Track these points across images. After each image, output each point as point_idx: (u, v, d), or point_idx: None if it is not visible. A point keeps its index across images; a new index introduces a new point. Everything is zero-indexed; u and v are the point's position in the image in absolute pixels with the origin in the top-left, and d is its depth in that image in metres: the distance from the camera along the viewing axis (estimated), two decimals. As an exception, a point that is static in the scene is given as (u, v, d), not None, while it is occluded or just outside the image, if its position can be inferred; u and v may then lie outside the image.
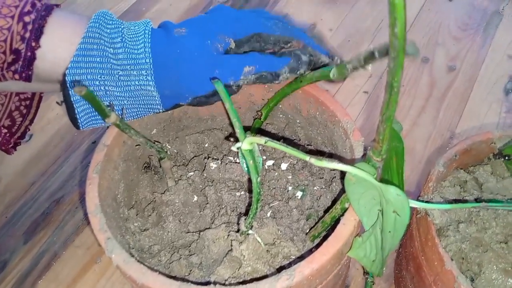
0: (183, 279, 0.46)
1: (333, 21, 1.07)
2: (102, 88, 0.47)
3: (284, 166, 0.59)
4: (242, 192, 0.57)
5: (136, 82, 0.48)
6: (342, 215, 0.45)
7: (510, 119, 0.86)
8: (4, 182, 0.81)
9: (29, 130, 0.60)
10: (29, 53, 0.45)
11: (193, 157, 0.62)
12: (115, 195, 0.52)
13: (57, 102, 0.92)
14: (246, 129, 0.62)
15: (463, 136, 0.84)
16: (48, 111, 0.92)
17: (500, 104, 0.89)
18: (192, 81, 0.49)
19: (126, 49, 0.47)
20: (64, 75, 0.46)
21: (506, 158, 0.56)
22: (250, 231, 0.49)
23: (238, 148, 0.43)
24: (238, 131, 0.43)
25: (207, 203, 0.56)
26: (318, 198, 0.55)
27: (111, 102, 0.49)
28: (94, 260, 0.71)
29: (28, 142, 0.87)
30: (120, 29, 0.48)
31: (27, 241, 0.74)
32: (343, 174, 0.43)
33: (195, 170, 0.59)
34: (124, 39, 0.47)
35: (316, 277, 0.42)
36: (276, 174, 0.58)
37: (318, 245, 0.43)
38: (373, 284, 0.55)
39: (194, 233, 0.53)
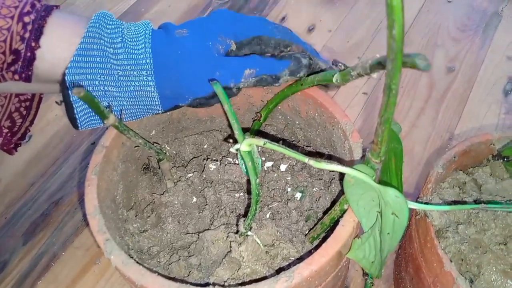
0: (182, 281, 0.46)
1: (332, 22, 1.07)
2: (102, 88, 0.47)
3: (283, 167, 0.59)
4: (241, 193, 0.57)
5: (136, 83, 0.48)
6: (341, 216, 0.45)
7: (510, 120, 0.86)
8: (4, 182, 0.81)
9: (29, 131, 0.60)
10: (28, 54, 0.45)
11: (192, 158, 0.62)
12: (114, 196, 0.52)
13: (57, 102, 0.92)
14: (245, 130, 0.62)
15: (462, 138, 0.84)
16: (48, 112, 0.92)
17: (499, 105, 0.89)
18: (193, 82, 0.49)
19: (127, 49, 0.47)
20: (64, 75, 0.46)
21: (505, 159, 0.56)
22: (249, 233, 0.49)
23: (237, 150, 0.43)
24: (237, 133, 0.43)
25: (206, 204, 0.56)
26: (317, 199, 0.55)
27: (110, 104, 0.49)
28: (93, 261, 0.71)
29: (27, 143, 0.87)
30: (120, 29, 0.48)
31: (26, 242, 0.74)
32: (342, 175, 0.43)
33: (194, 171, 0.59)
34: (124, 39, 0.47)
35: (315, 278, 0.42)
36: (275, 175, 0.58)
37: (317, 247, 0.43)
38: (372, 285, 0.55)
39: (193, 234, 0.53)
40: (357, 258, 0.44)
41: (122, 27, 0.48)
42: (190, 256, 0.50)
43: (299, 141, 0.63)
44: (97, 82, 0.47)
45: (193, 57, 0.48)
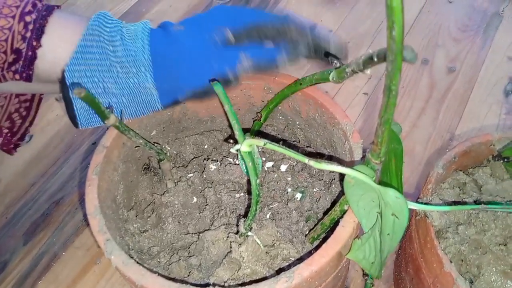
0: (182, 281, 0.46)
1: (332, 23, 1.07)
2: (101, 85, 0.47)
3: (283, 167, 0.59)
4: (242, 194, 0.57)
5: (135, 79, 0.48)
6: (341, 217, 0.45)
7: (510, 121, 0.86)
8: (4, 182, 0.82)
9: (28, 132, 0.61)
10: (30, 53, 0.45)
11: (192, 159, 0.62)
12: (114, 196, 0.52)
13: (56, 99, 0.92)
14: (246, 130, 0.62)
15: (463, 138, 0.84)
16: (48, 112, 0.92)
17: (500, 105, 0.89)
18: (189, 73, 0.49)
19: (125, 47, 0.47)
20: (64, 72, 0.46)
21: (506, 160, 0.56)
22: (249, 233, 0.49)
23: (237, 150, 0.43)
24: (237, 133, 0.43)
25: (207, 205, 0.56)
26: (318, 200, 0.55)
27: (111, 104, 0.49)
28: (94, 261, 0.71)
29: (28, 143, 0.87)
30: (119, 28, 0.48)
31: (27, 242, 0.74)
32: (342, 176, 0.43)
33: (194, 172, 0.59)
34: (123, 37, 0.47)
35: (315, 279, 0.42)
36: (276, 175, 0.58)
37: (317, 247, 0.43)
38: (372, 285, 0.55)
39: (193, 235, 0.53)
40: (357, 259, 0.44)
41: (121, 26, 0.48)
42: (190, 257, 0.50)
43: (299, 141, 0.63)
44: (96, 79, 0.47)
45: (189, 49, 0.48)
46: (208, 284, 0.45)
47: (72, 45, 0.46)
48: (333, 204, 0.54)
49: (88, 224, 0.73)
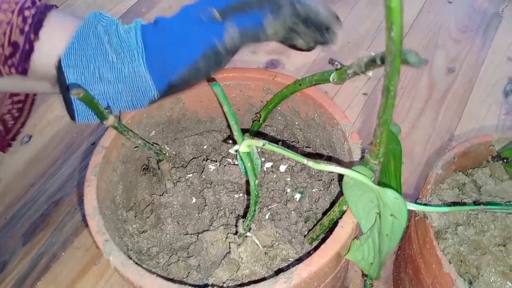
0: (181, 282, 0.46)
1: (332, 23, 1.07)
2: (96, 73, 0.48)
3: (282, 168, 0.59)
4: (241, 194, 0.57)
5: (129, 65, 0.49)
6: (340, 217, 0.45)
7: (510, 121, 0.86)
8: (4, 183, 0.82)
9: (20, 132, 0.61)
10: (27, 46, 0.46)
11: (191, 159, 0.62)
12: (113, 197, 0.52)
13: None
14: (245, 131, 0.62)
15: (462, 138, 0.84)
16: (48, 113, 0.92)
17: (500, 106, 0.89)
18: (179, 51, 0.49)
19: (120, 37, 0.49)
20: (60, 62, 0.47)
21: (505, 160, 0.56)
22: (248, 234, 0.49)
23: (236, 151, 0.43)
24: (236, 134, 0.43)
25: (206, 205, 0.56)
26: (317, 200, 0.55)
27: (106, 90, 0.49)
28: (93, 261, 0.71)
29: (27, 143, 0.87)
30: (115, 21, 0.50)
31: (26, 242, 0.74)
32: (341, 176, 0.43)
33: (193, 172, 0.59)
34: (117, 28, 0.49)
35: (314, 279, 0.42)
36: (275, 176, 0.58)
37: (316, 248, 0.43)
38: (371, 286, 0.55)
39: (192, 235, 0.53)
40: (356, 260, 0.44)
41: (117, 22, 0.50)
42: (189, 257, 0.50)
43: (298, 142, 0.63)
44: (91, 67, 0.48)
45: (177, 29, 0.50)
46: (207, 285, 0.45)
47: (69, 40, 0.48)
48: (332, 204, 0.54)
49: (87, 225, 0.73)
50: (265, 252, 0.49)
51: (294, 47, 0.51)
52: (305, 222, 0.53)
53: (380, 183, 0.45)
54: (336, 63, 0.45)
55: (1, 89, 0.54)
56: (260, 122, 0.60)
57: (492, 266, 0.48)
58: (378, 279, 0.45)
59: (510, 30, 1.03)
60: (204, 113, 0.62)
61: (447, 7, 1.09)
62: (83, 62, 0.47)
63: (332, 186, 0.55)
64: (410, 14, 1.07)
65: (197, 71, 0.49)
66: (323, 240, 0.43)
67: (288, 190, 0.57)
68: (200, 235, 0.52)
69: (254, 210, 0.46)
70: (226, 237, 0.50)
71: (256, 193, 0.45)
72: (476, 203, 0.52)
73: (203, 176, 0.59)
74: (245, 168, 0.44)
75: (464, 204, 0.53)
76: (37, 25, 0.46)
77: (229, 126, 0.64)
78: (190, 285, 0.41)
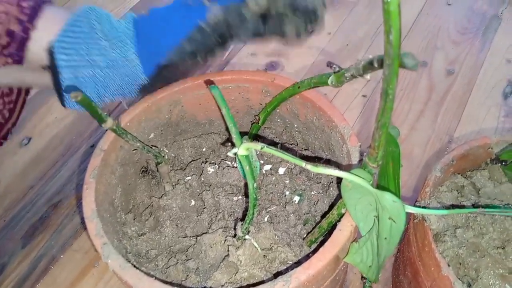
0: (180, 285, 0.46)
1: (331, 25, 1.07)
2: (87, 57, 0.50)
3: (281, 170, 0.59)
4: (240, 197, 0.57)
5: (119, 50, 0.50)
6: (339, 220, 0.45)
7: (509, 124, 0.86)
8: (3, 184, 0.81)
9: (11, 132, 0.61)
10: (23, 34, 0.48)
11: (190, 162, 0.62)
12: (112, 199, 0.52)
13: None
14: (244, 133, 0.62)
15: (461, 141, 0.84)
16: (47, 115, 0.92)
17: (499, 108, 0.89)
18: (165, 33, 0.50)
19: (112, 25, 0.51)
20: (52, 47, 0.48)
21: (503, 163, 0.56)
22: (246, 236, 0.49)
23: (234, 154, 0.43)
24: (235, 137, 0.43)
25: (205, 208, 0.56)
26: (316, 203, 0.55)
27: (96, 76, 0.50)
28: (92, 264, 0.71)
29: (27, 145, 0.87)
30: (107, 13, 0.52)
31: (25, 245, 0.74)
32: (340, 179, 0.43)
33: (192, 175, 0.59)
34: (110, 18, 0.51)
35: (312, 283, 0.42)
36: (274, 178, 0.58)
37: (315, 250, 0.43)
38: (370, 289, 0.55)
39: (191, 238, 0.53)
40: (355, 262, 0.44)
41: (110, 14, 0.52)
42: (188, 260, 0.50)
43: (297, 144, 0.63)
44: (82, 51, 0.49)
45: (164, 15, 0.51)
46: (205, 288, 0.45)
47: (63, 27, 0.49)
48: (331, 207, 0.54)
49: (86, 227, 0.73)
50: (264, 255, 0.49)
51: (283, 35, 0.51)
52: (304, 225, 0.53)
53: (379, 186, 0.45)
54: (334, 66, 0.45)
55: (1, 82, 0.55)
56: (259, 124, 0.60)
57: (491, 268, 0.48)
58: (377, 282, 0.45)
59: (509, 32, 1.03)
60: (203, 115, 0.62)
61: (446, 9, 1.09)
62: (74, 47, 0.49)
63: (331, 188, 0.55)
64: (410, 16, 1.07)
65: (183, 52, 0.50)
66: (322, 243, 0.43)
67: (287, 193, 0.57)
68: (199, 237, 0.52)
69: (253, 213, 0.46)
70: (225, 240, 0.50)
71: (255, 196, 0.45)
72: (475, 205, 0.52)
73: (202, 179, 0.59)
74: (243, 171, 0.44)
75: (463, 206, 0.52)
76: (33, 15, 0.48)
77: (228, 128, 0.64)
78: (188, 288, 0.41)
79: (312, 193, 0.56)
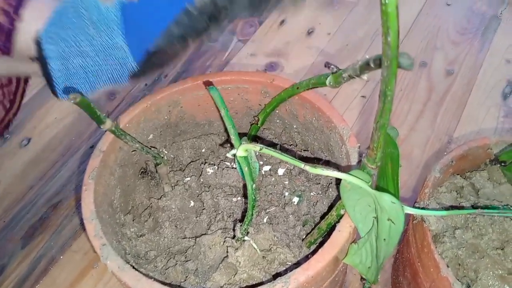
0: (179, 286, 0.46)
1: (331, 26, 1.07)
2: (76, 45, 0.49)
3: (281, 171, 0.59)
4: (239, 198, 0.57)
5: (108, 37, 0.50)
6: (338, 221, 0.45)
7: (508, 124, 0.86)
8: (3, 185, 0.82)
9: (11, 123, 0.61)
10: (9, 25, 0.47)
11: (189, 162, 0.62)
12: (111, 200, 0.52)
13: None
14: (243, 134, 0.62)
15: (461, 141, 0.84)
16: (47, 116, 0.92)
17: (498, 108, 0.89)
18: (153, 18, 0.50)
19: (100, 12, 0.50)
20: (40, 37, 0.48)
21: (502, 164, 0.56)
22: (246, 237, 0.49)
23: (233, 155, 0.43)
24: (233, 138, 0.43)
25: (204, 209, 0.56)
26: (315, 204, 0.55)
27: (84, 62, 0.50)
28: (91, 265, 0.71)
29: (26, 146, 0.87)
30: (95, 0, 0.51)
31: (25, 245, 0.74)
32: (339, 180, 0.43)
33: (191, 176, 0.59)
34: (98, 5, 0.50)
35: (311, 284, 0.42)
36: (273, 179, 0.58)
37: (314, 252, 0.43)
38: (369, 290, 0.55)
39: (190, 239, 0.53)
40: (354, 263, 0.44)
41: (98, 1, 0.51)
42: (187, 261, 0.50)
43: (296, 145, 0.63)
44: (70, 40, 0.49)
45: (152, 1, 0.50)
46: (204, 289, 0.45)
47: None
48: (330, 208, 0.54)
49: (85, 228, 0.73)
50: (263, 256, 0.49)
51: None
52: (303, 226, 0.53)
53: (378, 187, 0.45)
54: (332, 66, 0.45)
55: None
56: (258, 125, 0.60)
57: (490, 269, 0.48)
58: (376, 283, 0.45)
59: (509, 32, 1.03)
60: (202, 116, 0.62)
61: (445, 10, 1.09)
62: (62, 36, 0.48)
63: (330, 189, 0.55)
64: (409, 16, 1.07)
65: (171, 36, 0.50)
66: (321, 244, 0.43)
67: (286, 194, 0.57)
68: (198, 239, 0.52)
69: (252, 214, 0.46)
70: (224, 241, 0.50)
71: (254, 197, 0.45)
72: (474, 206, 0.52)
73: (201, 180, 0.59)
74: (242, 172, 0.44)
75: (462, 207, 0.52)
76: (18, 5, 0.47)
77: (227, 129, 0.64)
78: (187, 289, 0.41)
79: (311, 194, 0.56)
